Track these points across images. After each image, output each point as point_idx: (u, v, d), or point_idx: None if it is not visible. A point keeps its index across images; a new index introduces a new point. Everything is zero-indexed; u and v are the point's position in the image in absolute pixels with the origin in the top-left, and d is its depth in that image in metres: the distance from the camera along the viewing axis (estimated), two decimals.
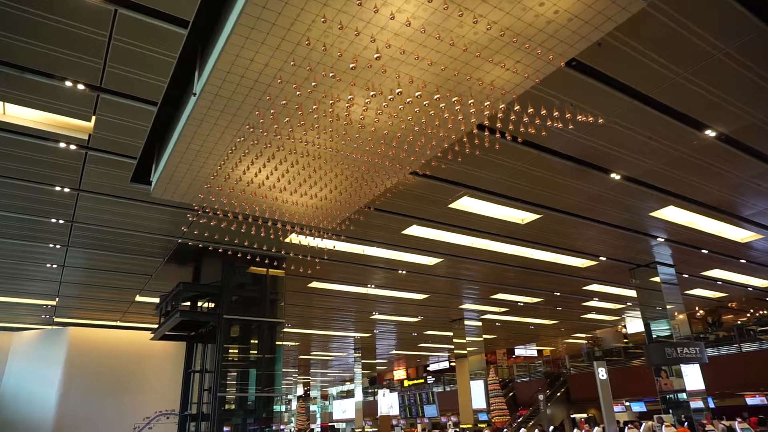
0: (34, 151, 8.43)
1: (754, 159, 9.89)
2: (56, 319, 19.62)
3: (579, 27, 5.02)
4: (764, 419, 14.74)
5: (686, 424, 13.78)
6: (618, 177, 10.34)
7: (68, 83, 6.86)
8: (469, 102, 6.08)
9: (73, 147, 8.33)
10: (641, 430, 13.53)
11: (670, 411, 15.42)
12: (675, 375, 15.90)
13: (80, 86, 6.93)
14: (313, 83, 5.55)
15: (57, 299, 16.95)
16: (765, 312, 26.19)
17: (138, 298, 17.44)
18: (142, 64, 6.63)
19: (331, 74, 5.44)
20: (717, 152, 9.55)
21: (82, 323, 20.31)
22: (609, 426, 12.02)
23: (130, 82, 6.96)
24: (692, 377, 15.92)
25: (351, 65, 5.25)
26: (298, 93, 5.77)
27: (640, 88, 7.61)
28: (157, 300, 15.99)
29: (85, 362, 19.48)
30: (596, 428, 13.00)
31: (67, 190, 9.76)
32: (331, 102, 5.94)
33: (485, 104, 6.14)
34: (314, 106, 6.05)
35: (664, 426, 13.04)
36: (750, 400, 20.95)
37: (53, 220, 11.04)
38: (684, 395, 15.66)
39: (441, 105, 6.12)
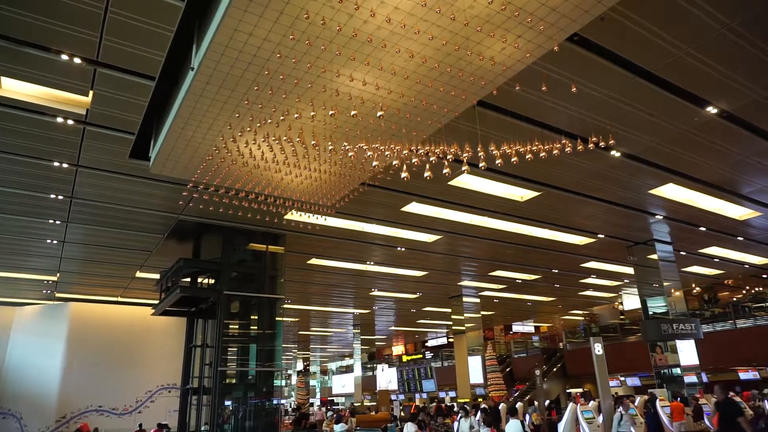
0: (32, 126, 8.38)
1: (754, 136, 9.85)
2: (57, 295, 19.75)
3: (582, 0, 4.96)
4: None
5: (679, 399, 14.00)
6: (618, 154, 10.32)
7: (64, 57, 6.78)
8: (469, 77, 6.03)
9: (70, 122, 8.27)
10: (635, 404, 13.76)
11: (664, 385, 15.68)
12: (670, 350, 16.12)
13: (77, 60, 6.85)
14: (316, 56, 5.49)
15: (58, 275, 17.03)
16: (760, 289, 26.39)
17: (138, 274, 17.53)
18: (139, 38, 6.54)
19: (327, 48, 5.39)
20: (718, 129, 9.52)
21: (83, 299, 20.47)
22: (604, 400, 12.21)
23: (127, 56, 6.88)
24: (687, 353, 16.15)
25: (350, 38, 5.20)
26: (296, 68, 5.72)
27: (642, 64, 7.53)
28: (157, 276, 16.07)
29: (87, 337, 19.70)
30: (591, 402, 13.21)
31: (65, 165, 9.73)
32: (329, 76, 5.89)
33: (486, 80, 6.10)
34: (312, 81, 6.00)
35: (658, 401, 13.25)
36: (743, 375, 21.28)
37: (52, 196, 11.03)
38: (678, 370, 15.91)
39: (441, 80, 6.07)
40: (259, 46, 5.37)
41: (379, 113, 6.15)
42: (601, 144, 7.20)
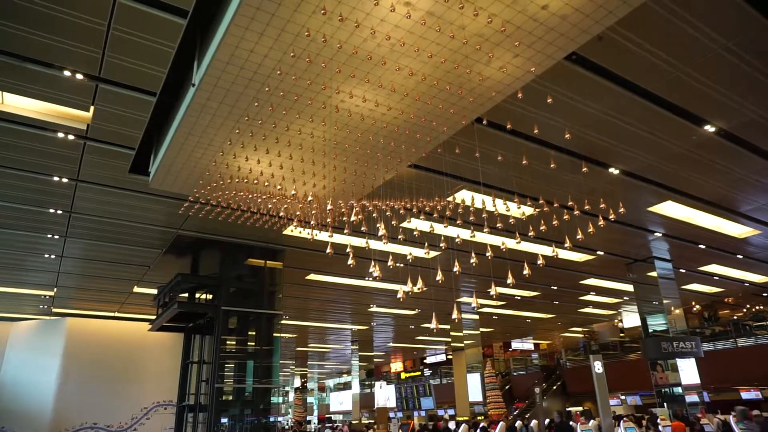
0: (33, 141, 8.41)
1: (753, 155, 9.89)
2: (54, 310, 19.64)
3: (580, 20, 5.01)
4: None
5: (680, 418, 13.86)
6: (617, 171, 10.35)
7: (67, 73, 6.82)
8: (468, 95, 6.07)
9: (71, 137, 8.30)
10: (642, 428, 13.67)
11: (665, 404, 15.52)
12: (671, 369, 15.99)
13: (79, 76, 6.90)
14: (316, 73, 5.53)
15: (55, 290, 16.95)
16: (761, 307, 26.28)
17: (136, 289, 17.45)
18: (141, 54, 6.60)
19: (327, 65, 5.43)
20: (716, 148, 9.56)
21: (80, 314, 20.33)
22: (604, 419, 12.11)
23: (129, 72, 6.93)
24: (688, 371, 16.02)
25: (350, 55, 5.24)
26: (296, 84, 5.76)
27: (640, 83, 7.59)
28: (155, 291, 16.00)
29: (83, 352, 19.47)
30: (592, 421, 13.09)
31: (65, 180, 9.74)
32: (329, 93, 5.93)
33: (484, 97, 6.14)
34: (312, 98, 6.04)
35: (659, 419, 13.13)
36: (745, 395, 21.05)
37: (51, 211, 11.02)
38: (679, 389, 15.76)
39: (440, 97, 6.11)
40: (260, 62, 5.41)
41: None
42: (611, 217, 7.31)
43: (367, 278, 17.70)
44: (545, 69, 5.71)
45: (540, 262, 7.05)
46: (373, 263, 6.34)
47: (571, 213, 7.69)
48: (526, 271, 6.90)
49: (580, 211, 7.75)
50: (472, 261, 6.80)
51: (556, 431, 13.19)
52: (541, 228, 7.59)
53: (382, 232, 6.29)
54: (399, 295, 6.11)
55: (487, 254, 7.25)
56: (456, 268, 6.32)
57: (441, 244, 8.63)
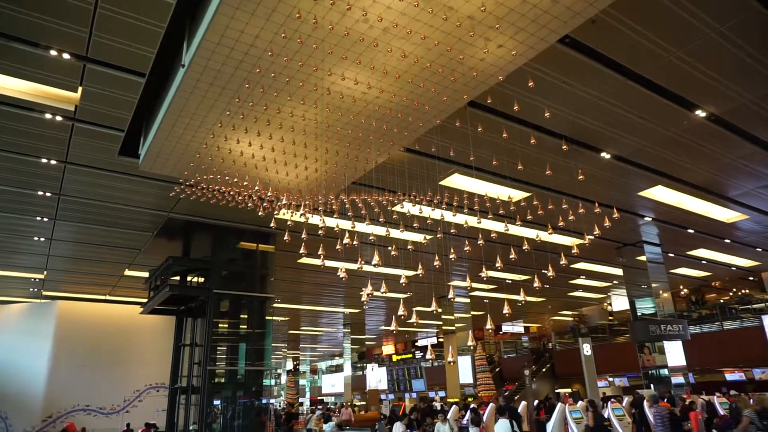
0: (20, 122, 8.28)
1: (742, 140, 9.96)
2: (44, 293, 19.54)
3: (573, 3, 4.98)
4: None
5: (666, 399, 14.11)
6: (608, 156, 10.38)
7: (53, 52, 6.71)
8: (461, 78, 6.04)
9: (59, 118, 8.19)
10: (623, 404, 13.88)
11: (652, 386, 15.81)
12: (658, 351, 16.26)
13: (66, 55, 6.78)
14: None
15: (45, 273, 16.85)
16: (747, 291, 26.69)
17: (127, 273, 17.38)
18: (130, 34, 6.49)
19: (319, 46, 5.37)
20: (707, 132, 9.61)
21: (70, 297, 20.25)
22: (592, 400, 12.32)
23: (117, 52, 6.81)
24: (674, 354, 16.30)
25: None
26: (288, 66, 5.70)
27: (632, 67, 7.59)
28: (146, 274, 15.95)
29: (74, 336, 19.47)
30: (580, 402, 13.30)
31: (53, 162, 9.63)
32: (321, 75, 5.88)
33: (477, 80, 6.11)
34: (304, 79, 5.99)
35: (645, 402, 13.35)
36: (729, 376, 21.51)
37: (40, 193, 10.91)
38: (666, 371, 16.05)
39: (433, 80, 6.08)
40: (251, 43, 5.35)
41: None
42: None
43: (359, 262, 17.75)
44: (538, 52, 5.69)
45: (525, 246, 7.10)
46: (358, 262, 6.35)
47: (563, 198, 7.73)
48: (512, 256, 6.95)
49: (571, 196, 7.79)
50: (465, 249, 6.83)
51: (498, 413, 13.51)
52: (528, 217, 7.62)
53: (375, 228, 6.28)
54: (363, 299, 6.16)
55: (479, 242, 7.29)
56: (452, 255, 6.35)
57: (438, 235, 8.66)
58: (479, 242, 7.39)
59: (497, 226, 14.41)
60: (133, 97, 7.58)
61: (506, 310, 6.94)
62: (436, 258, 6.90)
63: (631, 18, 6.51)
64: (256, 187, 8.64)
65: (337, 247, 6.70)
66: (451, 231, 8.32)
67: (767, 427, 8.73)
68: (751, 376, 20.98)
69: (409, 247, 7.36)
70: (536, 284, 7.20)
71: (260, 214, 8.54)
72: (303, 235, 7.33)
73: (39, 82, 7.50)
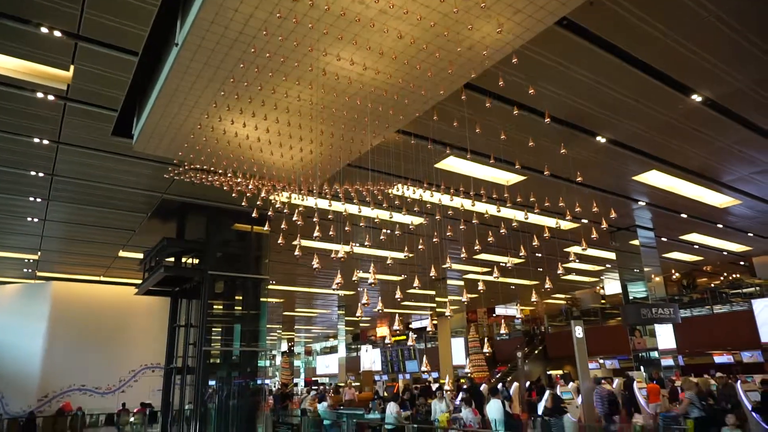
0: (11, 101, 8.18)
1: (737, 125, 9.97)
2: (39, 274, 19.51)
3: None
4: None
5: (655, 381, 14.34)
6: (603, 140, 10.38)
7: (44, 29, 6.60)
8: (457, 59, 6.01)
9: (51, 97, 8.09)
10: (614, 386, 14.10)
11: (642, 368, 16.05)
12: (648, 334, 16.47)
13: (57, 33, 6.68)
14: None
15: (39, 253, 16.80)
16: (738, 276, 26.98)
17: (122, 254, 17.35)
18: (122, 11, 6.39)
19: (315, 26, 5.32)
20: (702, 117, 9.61)
21: (65, 278, 20.24)
22: (583, 382, 12.49)
23: (109, 30, 6.71)
24: (665, 337, 16.52)
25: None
26: (283, 46, 5.64)
27: (629, 50, 7.55)
28: (141, 255, 15.94)
29: (69, 316, 19.51)
30: (571, 383, 13.51)
31: (46, 142, 9.54)
32: (316, 55, 5.82)
33: (473, 62, 6.08)
34: (299, 60, 5.93)
35: (635, 383, 13.58)
36: (718, 359, 21.86)
37: (33, 173, 10.83)
38: (656, 353, 16.28)
39: (429, 61, 6.04)
40: (246, 22, 5.28)
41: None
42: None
43: (353, 244, 17.78)
44: (536, 34, 5.66)
45: (514, 224, 7.14)
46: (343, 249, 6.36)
47: (558, 181, 7.75)
48: (502, 231, 6.97)
49: (568, 179, 7.80)
50: (461, 227, 6.85)
51: (464, 392, 14.08)
52: (523, 198, 7.64)
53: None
54: (333, 286, 6.22)
55: (473, 221, 7.31)
56: (448, 233, 6.37)
57: (436, 216, 8.67)
58: (473, 221, 7.41)
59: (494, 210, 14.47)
60: (125, 76, 7.49)
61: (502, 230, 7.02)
62: (435, 236, 6.92)
63: (629, 0, 6.47)
64: (246, 181, 8.66)
65: (330, 232, 6.69)
66: (449, 213, 8.32)
67: (704, 407, 9.73)
68: (740, 359, 21.32)
69: (410, 226, 7.37)
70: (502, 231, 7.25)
71: (244, 203, 8.53)
72: (296, 219, 7.33)
73: (30, 60, 7.39)
